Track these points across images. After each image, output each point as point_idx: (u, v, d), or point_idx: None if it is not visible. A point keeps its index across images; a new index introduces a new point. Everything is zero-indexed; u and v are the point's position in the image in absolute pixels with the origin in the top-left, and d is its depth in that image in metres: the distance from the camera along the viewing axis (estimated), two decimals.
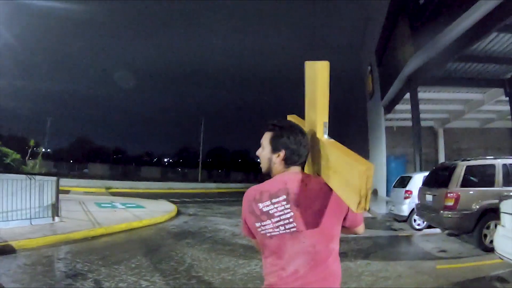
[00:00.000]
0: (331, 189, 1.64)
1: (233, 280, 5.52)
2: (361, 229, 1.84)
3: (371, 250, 7.73)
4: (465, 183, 7.64)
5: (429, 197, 8.41)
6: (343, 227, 1.77)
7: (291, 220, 1.66)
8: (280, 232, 1.67)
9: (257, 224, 1.72)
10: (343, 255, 7.19)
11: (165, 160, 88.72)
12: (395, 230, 10.61)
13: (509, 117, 21.86)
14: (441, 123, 23.98)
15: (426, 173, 10.66)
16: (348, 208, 1.69)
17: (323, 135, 1.73)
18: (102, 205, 13.78)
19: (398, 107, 20.59)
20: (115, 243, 8.16)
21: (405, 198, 10.62)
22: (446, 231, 7.67)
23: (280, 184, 1.71)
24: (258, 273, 5.88)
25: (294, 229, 1.66)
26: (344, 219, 1.74)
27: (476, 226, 7.37)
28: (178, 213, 13.68)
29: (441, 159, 23.54)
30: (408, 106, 20.14)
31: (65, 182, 24.20)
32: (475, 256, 7.16)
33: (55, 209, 9.67)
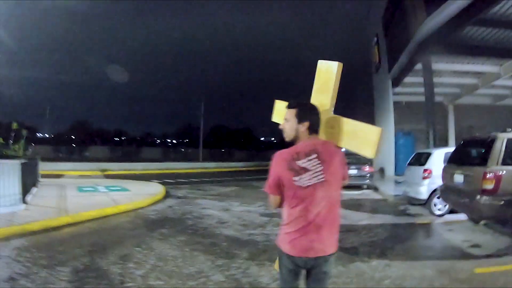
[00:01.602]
0: (339, 150, 2.45)
1: None
2: (346, 181, 2.48)
3: (387, 244, 6.20)
4: (507, 160, 6.01)
5: (458, 178, 6.81)
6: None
7: (321, 172, 2.28)
8: (314, 182, 2.27)
9: (296, 178, 2.27)
10: (353, 251, 5.72)
11: (168, 140, 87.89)
12: (411, 215, 9.05)
13: None
14: (452, 98, 22.53)
15: (448, 149, 9.12)
16: (344, 164, 2.41)
17: (332, 113, 2.63)
18: (83, 189, 12.37)
19: (407, 79, 19.28)
20: (76, 235, 6.73)
21: (424, 178, 9.02)
22: (483, 222, 6.12)
23: (311, 146, 2.34)
24: (237, 281, 4.40)
25: (323, 179, 2.28)
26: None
27: None
28: (166, 195, 12.28)
29: (451, 136, 22.40)
30: (417, 79, 18.86)
31: (60, 166, 24.23)
32: None
33: (20, 196, 8.23)
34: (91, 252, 5.50)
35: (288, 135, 2.45)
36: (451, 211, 8.43)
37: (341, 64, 2.59)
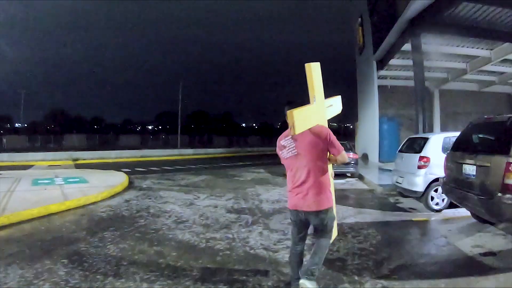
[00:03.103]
0: (313, 131, 3.22)
1: None
2: (340, 158, 3.28)
3: (382, 253, 4.92)
4: None
5: (469, 169, 5.54)
6: (330, 156, 3.32)
7: (294, 148, 3.28)
8: (290, 155, 3.32)
9: (281, 152, 3.43)
10: (339, 265, 4.45)
11: (149, 127, 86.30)
12: (404, 211, 7.82)
13: (510, 81, 20.53)
14: (438, 83, 21.79)
15: (448, 134, 7.92)
16: (327, 142, 3.22)
17: (312, 103, 3.46)
18: (39, 182, 10.87)
19: (393, 61, 18.27)
20: (4, 240, 5.42)
21: (420, 167, 7.78)
22: (502, 225, 4.85)
23: (289, 130, 3.15)
24: None
25: (296, 152, 3.27)
26: (330, 149, 3.25)
27: None
28: (129, 186, 10.91)
29: (437, 122, 21.50)
30: (404, 61, 18.16)
31: (32, 156, 23.11)
32: None
33: None
34: (8, 265, 4.26)
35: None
36: (450, 205, 7.34)
37: (318, 64, 3.54)
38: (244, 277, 4.02)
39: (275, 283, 3.88)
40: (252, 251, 4.94)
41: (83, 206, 7.93)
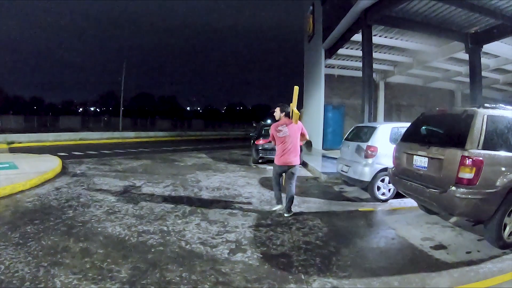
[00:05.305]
0: (297, 123, 6.15)
1: None
2: (306, 137, 6.37)
3: (329, 247, 4.61)
4: (487, 143, 4.60)
5: (420, 161, 5.33)
6: (302, 136, 6.22)
7: (287, 131, 6.03)
8: (284, 135, 6.02)
9: (277, 133, 6.09)
10: (284, 261, 4.07)
11: (91, 109, 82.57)
12: (350, 200, 7.61)
13: (453, 78, 21.19)
14: (384, 75, 22.11)
15: (396, 124, 7.80)
16: (301, 130, 6.17)
17: (295, 108, 6.12)
18: None
19: (342, 51, 18.21)
20: None
21: (367, 156, 7.60)
22: (454, 219, 4.65)
23: (284, 121, 6.14)
24: None
25: (288, 134, 6.01)
26: (301, 134, 6.18)
27: (497, 211, 4.52)
28: (62, 172, 9.99)
29: (380, 113, 21.90)
30: (352, 52, 18.25)
31: None
32: (492, 257, 4.37)
33: None
34: None
35: (277, 117, 6.20)
36: (396, 195, 7.26)
37: (297, 87, 6.24)
38: (177, 279, 3.54)
39: (213, 285, 3.43)
40: (188, 247, 4.46)
41: (9, 196, 7.03)
